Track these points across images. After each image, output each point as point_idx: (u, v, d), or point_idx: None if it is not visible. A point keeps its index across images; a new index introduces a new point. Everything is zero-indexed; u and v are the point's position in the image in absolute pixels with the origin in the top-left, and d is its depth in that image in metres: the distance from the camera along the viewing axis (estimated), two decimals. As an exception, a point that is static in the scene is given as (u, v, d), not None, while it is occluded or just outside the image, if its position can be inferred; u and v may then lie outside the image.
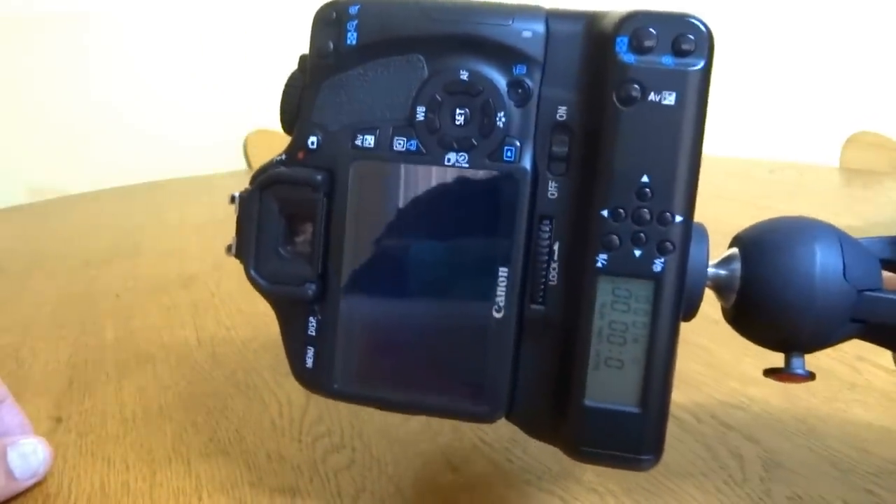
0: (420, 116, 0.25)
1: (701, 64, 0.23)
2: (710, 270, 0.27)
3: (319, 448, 0.35)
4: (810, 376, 0.26)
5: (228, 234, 0.28)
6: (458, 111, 0.25)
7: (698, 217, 0.24)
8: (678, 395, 0.39)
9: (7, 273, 0.68)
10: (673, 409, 0.38)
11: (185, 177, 1.08)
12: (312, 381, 0.27)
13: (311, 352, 0.27)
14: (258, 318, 0.52)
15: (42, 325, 0.53)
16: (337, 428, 0.37)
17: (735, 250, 0.27)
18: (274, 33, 1.17)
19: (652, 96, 0.23)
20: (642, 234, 0.23)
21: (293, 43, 0.32)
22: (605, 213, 0.24)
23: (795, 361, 0.26)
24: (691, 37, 0.23)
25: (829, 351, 0.27)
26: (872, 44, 1.43)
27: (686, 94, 0.23)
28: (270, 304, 0.28)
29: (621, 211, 0.23)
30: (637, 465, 0.25)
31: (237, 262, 0.28)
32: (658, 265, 0.23)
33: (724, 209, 0.84)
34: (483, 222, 0.25)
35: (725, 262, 0.27)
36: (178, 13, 1.18)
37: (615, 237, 0.24)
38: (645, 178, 0.23)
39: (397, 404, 0.27)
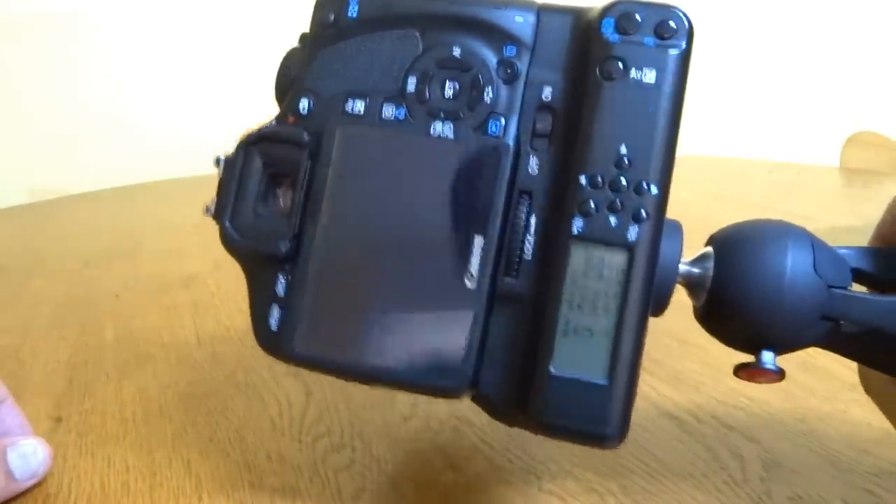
0: (411, 87, 0.26)
1: (681, 46, 0.24)
2: (683, 267, 0.27)
3: (319, 448, 0.35)
4: (780, 373, 0.26)
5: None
6: (447, 84, 0.26)
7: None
8: (678, 396, 0.39)
9: (7, 273, 0.68)
10: (673, 409, 0.38)
11: (185, 177, 1.08)
12: (274, 344, 0.27)
13: (276, 313, 0.27)
14: (258, 318, 0.52)
15: (42, 325, 0.53)
16: (337, 428, 0.37)
17: (709, 249, 0.27)
18: (273, 34, 1.16)
19: (633, 73, 0.24)
20: (618, 202, 0.24)
21: (292, 44, 0.32)
22: (582, 179, 0.24)
23: (765, 355, 0.26)
24: (673, 24, 0.24)
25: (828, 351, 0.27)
26: (872, 44, 1.43)
27: (665, 74, 0.24)
28: (240, 262, 0.28)
29: (599, 178, 0.24)
30: (600, 442, 0.24)
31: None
32: (632, 233, 0.24)
33: (723, 209, 0.84)
34: (463, 193, 0.26)
35: (699, 260, 0.27)
36: (177, 13, 1.18)
37: (591, 203, 0.24)
38: (623, 150, 0.24)
39: (360, 373, 0.27)
